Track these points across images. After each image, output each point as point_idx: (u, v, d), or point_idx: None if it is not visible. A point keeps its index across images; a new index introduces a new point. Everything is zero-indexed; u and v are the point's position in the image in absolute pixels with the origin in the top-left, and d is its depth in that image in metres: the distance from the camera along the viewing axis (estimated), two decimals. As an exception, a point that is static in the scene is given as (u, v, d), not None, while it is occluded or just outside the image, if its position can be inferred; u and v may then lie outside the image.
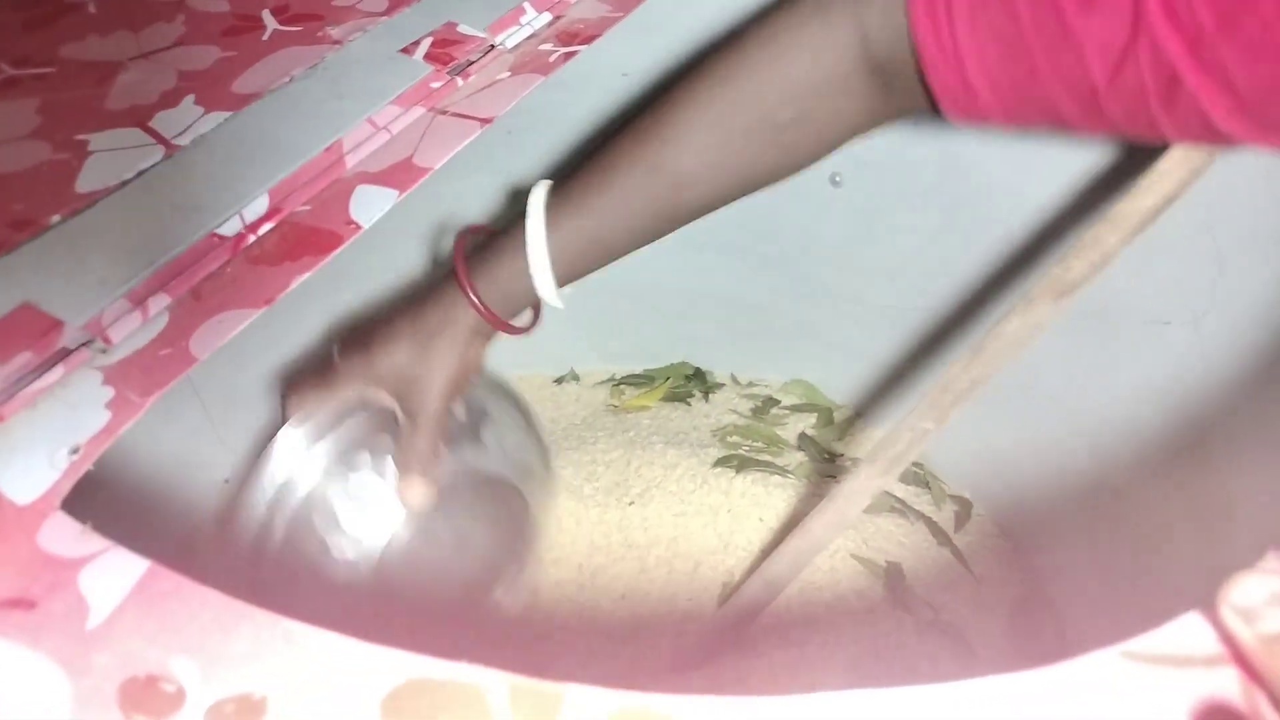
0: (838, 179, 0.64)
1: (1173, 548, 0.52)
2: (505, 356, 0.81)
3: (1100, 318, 0.56)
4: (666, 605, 0.64)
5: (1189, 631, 0.21)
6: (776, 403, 0.79)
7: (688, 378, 0.82)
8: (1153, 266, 0.52)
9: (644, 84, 0.63)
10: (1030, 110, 0.36)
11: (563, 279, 0.43)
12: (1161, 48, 0.30)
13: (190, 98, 0.40)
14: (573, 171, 0.43)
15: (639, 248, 0.44)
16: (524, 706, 0.21)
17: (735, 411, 0.78)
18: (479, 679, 0.22)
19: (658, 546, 0.67)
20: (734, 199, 0.43)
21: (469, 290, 0.41)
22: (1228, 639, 0.21)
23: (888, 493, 0.70)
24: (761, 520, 0.67)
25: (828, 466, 0.72)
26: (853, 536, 0.66)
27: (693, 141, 0.40)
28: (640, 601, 0.65)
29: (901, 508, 0.68)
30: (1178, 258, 0.50)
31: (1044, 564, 0.65)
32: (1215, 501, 0.48)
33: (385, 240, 0.69)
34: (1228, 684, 0.20)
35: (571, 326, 0.81)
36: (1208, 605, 0.21)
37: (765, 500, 0.68)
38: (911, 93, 0.38)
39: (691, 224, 0.71)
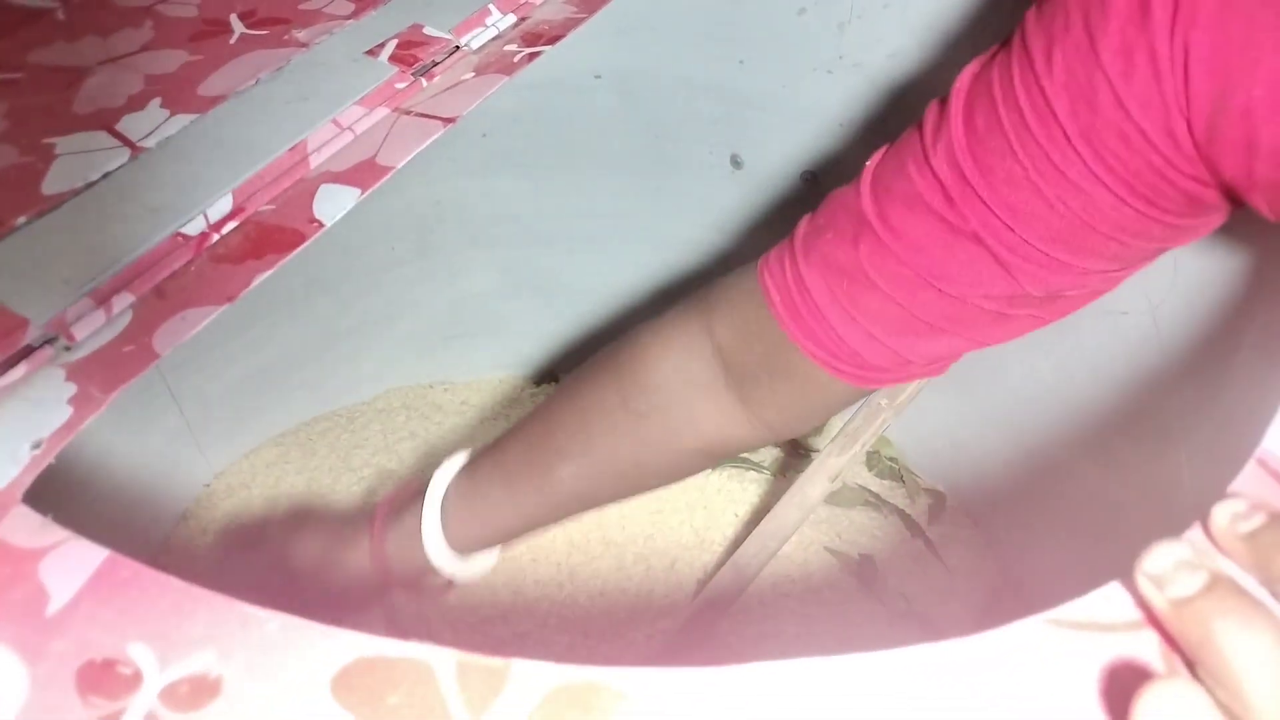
0: (809, 174, 0.65)
1: (1136, 531, 0.53)
2: (485, 360, 0.82)
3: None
4: (644, 601, 0.65)
5: (1110, 599, 0.22)
6: (753, 400, 0.80)
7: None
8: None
9: (617, 85, 0.64)
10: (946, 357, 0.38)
11: (464, 547, 0.45)
12: (1045, 282, 0.33)
13: (157, 101, 0.41)
14: (492, 444, 0.46)
15: (532, 528, 0.46)
16: (471, 681, 0.22)
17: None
18: (426, 656, 0.22)
19: (635, 544, 0.67)
20: (606, 488, 0.44)
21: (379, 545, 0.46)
22: (1143, 605, 0.21)
23: (863, 487, 0.70)
24: (736, 515, 0.68)
25: (802, 462, 0.73)
26: (826, 530, 0.66)
27: (564, 420, 0.44)
28: (618, 598, 0.66)
29: (875, 501, 0.69)
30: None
31: (1016, 553, 0.66)
32: (1174, 485, 0.49)
33: (361, 247, 0.70)
34: (1147, 648, 0.21)
35: (550, 330, 0.82)
36: (1129, 575, 0.22)
37: (740, 496, 0.69)
38: (771, 406, 0.40)
39: (670, 224, 0.72)
